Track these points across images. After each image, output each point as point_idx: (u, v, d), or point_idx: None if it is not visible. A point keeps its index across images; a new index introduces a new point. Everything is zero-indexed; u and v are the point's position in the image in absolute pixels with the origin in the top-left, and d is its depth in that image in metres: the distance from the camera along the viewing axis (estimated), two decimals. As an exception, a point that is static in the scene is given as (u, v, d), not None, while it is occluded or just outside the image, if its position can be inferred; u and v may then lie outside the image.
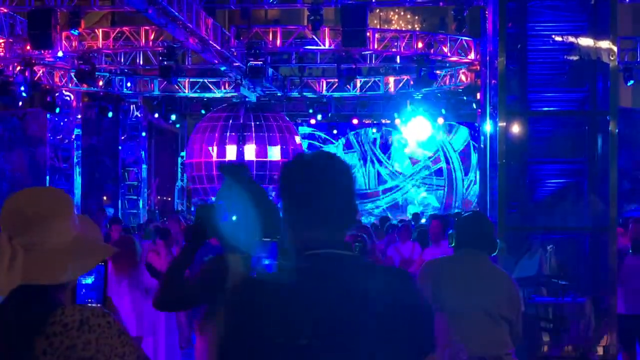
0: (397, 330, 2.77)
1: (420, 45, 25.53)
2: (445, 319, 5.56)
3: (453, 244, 5.86)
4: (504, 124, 11.50)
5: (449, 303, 5.58)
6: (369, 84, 31.02)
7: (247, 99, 30.42)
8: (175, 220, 16.94)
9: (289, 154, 30.86)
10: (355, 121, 34.45)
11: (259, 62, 23.80)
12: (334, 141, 36.42)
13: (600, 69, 11.76)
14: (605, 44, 11.55)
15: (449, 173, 36.00)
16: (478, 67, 25.31)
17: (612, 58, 11.45)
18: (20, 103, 27.29)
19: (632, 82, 26.78)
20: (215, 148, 30.26)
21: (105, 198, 32.26)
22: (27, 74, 25.17)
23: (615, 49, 11.52)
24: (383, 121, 34.99)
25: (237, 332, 2.71)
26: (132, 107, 31.99)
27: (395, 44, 25.55)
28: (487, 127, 16.95)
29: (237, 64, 24.92)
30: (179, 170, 35.53)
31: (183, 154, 32.96)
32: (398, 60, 28.33)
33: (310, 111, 31.75)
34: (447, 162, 35.89)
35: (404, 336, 2.78)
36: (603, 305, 11.38)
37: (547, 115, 12.18)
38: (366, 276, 2.80)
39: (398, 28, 36.39)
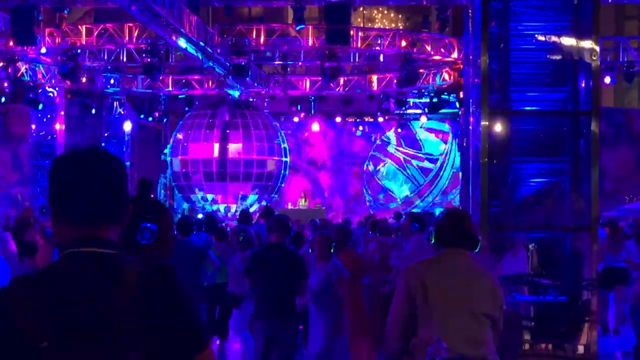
0: (158, 330, 2.71)
1: (403, 44, 25.57)
2: (430, 317, 5.56)
3: (433, 242, 5.86)
4: (487, 122, 11.52)
5: (433, 303, 5.57)
6: (352, 82, 31.02)
7: (230, 97, 30.40)
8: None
9: (274, 152, 30.82)
10: (338, 119, 34.46)
11: (243, 60, 23.78)
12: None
13: (582, 68, 11.79)
14: (587, 44, 11.58)
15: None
16: (461, 66, 25.37)
17: (594, 58, 11.48)
18: (3, 99, 27.17)
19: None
20: (197, 145, 30.18)
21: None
22: (9, 70, 25.08)
23: (597, 49, 11.56)
24: (366, 119, 35.02)
25: None
26: (115, 103, 31.94)
27: (379, 42, 25.58)
28: (470, 125, 17.01)
29: (220, 62, 24.88)
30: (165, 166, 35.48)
31: (167, 150, 32.85)
32: (381, 58, 28.34)
33: (294, 109, 31.71)
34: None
35: (167, 335, 2.72)
36: (583, 304, 11.42)
37: (529, 114, 12.21)
38: (122, 275, 2.71)
39: (381, 27, 36.41)
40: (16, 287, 2.69)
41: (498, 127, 11.78)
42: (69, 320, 2.62)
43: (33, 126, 30.33)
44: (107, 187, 2.81)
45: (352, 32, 23.62)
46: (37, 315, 2.61)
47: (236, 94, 30.10)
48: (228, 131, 30.03)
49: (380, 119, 33.89)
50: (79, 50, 24.78)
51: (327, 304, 10.56)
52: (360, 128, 35.84)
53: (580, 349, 11.36)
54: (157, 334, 2.70)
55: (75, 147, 2.92)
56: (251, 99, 31.61)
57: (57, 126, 30.11)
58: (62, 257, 2.76)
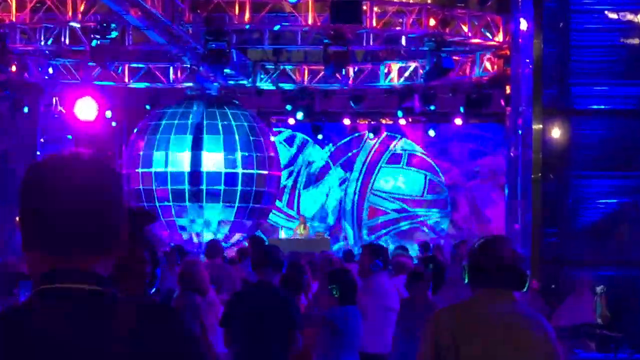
0: None
1: (432, 22, 25.56)
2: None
3: (466, 281, 5.84)
4: (541, 125, 11.52)
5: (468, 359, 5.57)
6: (365, 73, 31.02)
7: (205, 91, 30.36)
8: None
9: (262, 164, 30.74)
10: (347, 121, 34.40)
11: (221, 43, 23.76)
12: (319, 148, 36.42)
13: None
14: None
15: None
16: (507, 52, 25.35)
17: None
18: None
19: None
20: (163, 155, 30.09)
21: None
22: None
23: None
24: (383, 121, 34.98)
25: None
26: (54, 99, 31.86)
27: (400, 21, 25.58)
28: (519, 130, 16.94)
29: (192, 45, 24.88)
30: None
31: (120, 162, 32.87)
32: (403, 42, 28.33)
33: (289, 108, 31.67)
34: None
35: None
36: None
37: (596, 115, 12.20)
38: (110, 319, 2.70)
39: (403, 0, 36.44)
40: None
41: (555, 132, 11.78)
42: None
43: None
44: (95, 204, 2.77)
45: (365, 7, 23.64)
46: None
47: (213, 87, 30.08)
48: (203, 136, 29.97)
49: (402, 121, 33.84)
50: (7, 30, 24.80)
51: None
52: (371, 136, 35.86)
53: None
54: None
55: (55, 151, 2.87)
56: (232, 94, 31.62)
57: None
58: (33, 295, 2.73)
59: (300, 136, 36.75)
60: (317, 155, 36.98)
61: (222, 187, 29.86)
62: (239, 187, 29.94)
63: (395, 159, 36.78)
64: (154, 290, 4.46)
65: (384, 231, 36.44)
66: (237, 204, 29.95)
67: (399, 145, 36.43)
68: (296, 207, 36.83)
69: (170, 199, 29.68)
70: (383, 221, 36.65)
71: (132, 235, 3.01)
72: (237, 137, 30.01)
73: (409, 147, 36.32)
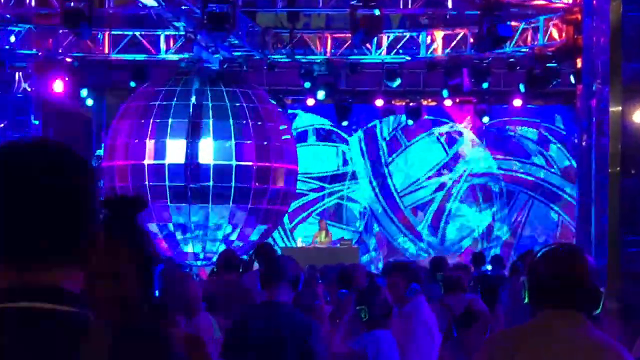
0: None
1: (485, -20, 25.62)
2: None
3: (527, 300, 5.78)
4: (620, 108, 11.49)
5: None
6: (402, 43, 31.00)
7: (204, 65, 30.39)
8: None
9: (269, 154, 30.67)
10: (379, 102, 34.41)
11: (224, 5, 23.79)
12: (344, 135, 36.46)
13: None
14: None
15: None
16: (578, 17, 25.34)
17: None
18: None
19: None
20: (151, 143, 30.11)
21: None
22: None
23: None
24: (424, 102, 34.98)
25: None
26: (17, 75, 31.92)
27: (445, -23, 25.66)
28: (593, 114, 17.02)
29: (188, 8, 24.92)
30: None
31: (100, 152, 32.92)
32: (450, 4, 28.34)
33: (307, 85, 31.68)
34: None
35: None
36: None
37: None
38: (81, 348, 2.66)
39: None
40: None
41: (637, 116, 11.75)
42: None
43: None
44: (59, 202, 2.73)
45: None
46: None
47: (214, 60, 30.12)
48: (200, 121, 29.96)
49: (448, 102, 33.86)
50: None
51: None
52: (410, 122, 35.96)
53: None
54: None
55: (16, 139, 2.85)
56: (238, 68, 31.66)
57: None
58: None
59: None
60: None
61: (210, 182, 29.75)
62: (233, 184, 29.77)
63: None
64: (157, 293, 4.43)
65: (442, 224, 36.59)
66: (230, 204, 29.82)
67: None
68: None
69: (149, 197, 29.45)
70: (429, 222, 36.76)
71: (111, 233, 3.03)
72: (231, 121, 29.83)
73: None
